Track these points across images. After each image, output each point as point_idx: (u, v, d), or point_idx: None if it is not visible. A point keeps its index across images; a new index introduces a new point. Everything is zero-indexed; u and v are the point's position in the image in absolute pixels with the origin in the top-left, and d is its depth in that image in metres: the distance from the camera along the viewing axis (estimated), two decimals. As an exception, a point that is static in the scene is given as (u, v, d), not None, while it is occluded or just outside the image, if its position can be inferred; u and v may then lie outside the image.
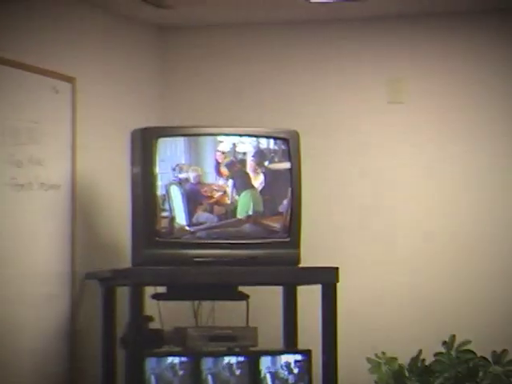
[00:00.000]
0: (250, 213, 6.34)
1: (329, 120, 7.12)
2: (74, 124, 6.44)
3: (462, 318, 6.81)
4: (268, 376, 6.23)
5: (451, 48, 7.06)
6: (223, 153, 6.35)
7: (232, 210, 6.32)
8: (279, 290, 6.67)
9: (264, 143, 6.39)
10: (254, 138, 6.39)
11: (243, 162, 6.38)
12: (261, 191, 6.39)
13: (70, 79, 6.41)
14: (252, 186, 6.40)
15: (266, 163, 6.37)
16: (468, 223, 6.96)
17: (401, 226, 7.05)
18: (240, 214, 6.33)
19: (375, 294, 6.99)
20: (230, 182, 6.36)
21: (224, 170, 6.35)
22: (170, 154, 6.26)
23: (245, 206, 6.34)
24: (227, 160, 6.36)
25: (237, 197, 6.37)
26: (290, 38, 7.24)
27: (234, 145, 6.34)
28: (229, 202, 6.31)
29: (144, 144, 6.18)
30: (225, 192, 6.30)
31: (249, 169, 6.42)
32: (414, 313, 6.92)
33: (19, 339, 6.06)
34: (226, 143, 6.34)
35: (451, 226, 6.99)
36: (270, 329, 6.63)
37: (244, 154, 6.37)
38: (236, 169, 6.36)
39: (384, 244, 7.04)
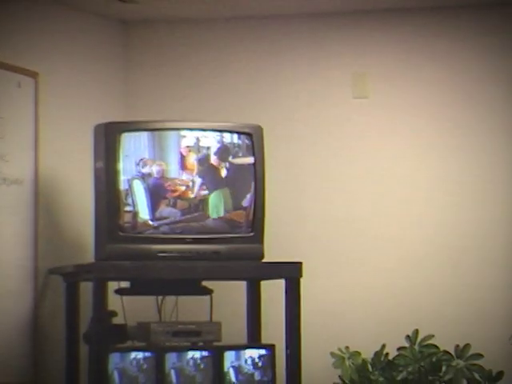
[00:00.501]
0: (222, 214, 6.30)
1: (293, 114, 7.11)
2: (37, 119, 6.42)
3: (425, 313, 6.82)
4: (232, 371, 6.23)
5: (415, 44, 7.04)
6: (187, 147, 6.29)
7: (196, 205, 6.27)
8: (243, 284, 6.64)
9: (228, 138, 6.41)
10: (218, 133, 6.40)
11: (207, 157, 6.29)
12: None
13: (33, 74, 6.40)
14: (222, 185, 6.32)
15: (230, 158, 6.34)
16: (429, 220, 6.95)
17: (365, 221, 6.99)
18: (212, 215, 6.30)
19: (339, 290, 6.95)
20: (198, 178, 6.27)
21: (192, 165, 6.29)
22: (133, 148, 6.27)
23: (215, 207, 6.32)
24: (198, 155, 6.30)
25: (203, 192, 6.29)
26: (254, 32, 7.21)
27: (198, 139, 6.35)
28: (192, 196, 6.28)
29: (107, 139, 6.17)
30: (188, 186, 6.27)
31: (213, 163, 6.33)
32: (378, 308, 6.92)
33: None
34: (189, 138, 6.34)
35: (419, 223, 6.96)
36: (234, 323, 6.64)
37: (208, 148, 6.33)
38: (206, 165, 6.31)
39: (349, 240, 6.99)
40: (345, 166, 7.08)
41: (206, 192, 6.37)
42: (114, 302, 6.38)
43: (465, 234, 6.92)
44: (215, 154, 6.37)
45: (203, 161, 6.35)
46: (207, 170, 6.35)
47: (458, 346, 6.51)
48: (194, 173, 6.32)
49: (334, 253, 7.01)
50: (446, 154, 6.97)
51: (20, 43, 6.37)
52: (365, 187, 7.06)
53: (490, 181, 6.88)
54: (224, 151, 6.37)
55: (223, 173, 6.38)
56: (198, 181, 6.33)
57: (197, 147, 6.35)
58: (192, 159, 6.33)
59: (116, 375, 6.03)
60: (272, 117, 6.95)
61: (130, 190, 6.16)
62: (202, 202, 6.35)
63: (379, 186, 7.04)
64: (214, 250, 6.24)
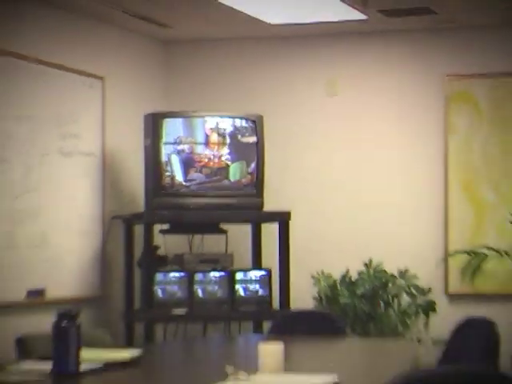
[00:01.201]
0: (238, 178, 6.58)
1: (286, 107, 7.30)
2: (104, 111, 6.70)
3: (377, 246, 7.03)
4: (240, 287, 6.50)
5: (373, 60, 7.21)
6: (210, 129, 6.57)
7: (215, 171, 6.53)
8: (249, 226, 6.99)
9: (238, 122, 6.63)
10: (231, 119, 6.63)
11: (224, 136, 6.58)
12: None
13: (100, 78, 6.66)
14: (239, 158, 6.60)
15: (239, 137, 6.61)
16: (384, 183, 7.14)
17: (338, 182, 7.21)
18: (231, 179, 6.55)
19: (318, 230, 7.19)
20: (218, 152, 6.56)
21: (214, 142, 6.54)
22: (171, 130, 6.48)
23: (234, 173, 6.57)
24: (218, 135, 6.57)
25: (223, 163, 6.56)
26: (257, 54, 7.40)
27: (217, 123, 6.58)
28: (215, 166, 6.55)
29: (153, 124, 6.44)
30: (210, 158, 6.53)
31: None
32: (346, 243, 7.13)
33: (67, 261, 6.35)
34: (211, 122, 6.57)
35: (374, 185, 7.16)
36: (243, 254, 6.95)
37: (224, 129, 6.58)
38: (224, 142, 6.58)
39: (325, 194, 7.22)
40: (323, 142, 7.25)
41: (228, 162, 6.58)
42: (158, 239, 6.67)
43: (404, 190, 7.11)
44: (229, 134, 6.61)
45: (221, 138, 6.59)
46: (223, 146, 6.58)
47: (400, 270, 6.82)
48: (214, 148, 6.59)
49: (314, 204, 7.21)
50: (397, 138, 7.15)
51: (92, 56, 6.64)
52: (338, 162, 7.24)
53: (419, 160, 7.10)
54: (235, 132, 6.62)
55: (235, 147, 6.62)
56: (217, 153, 6.57)
57: (216, 129, 6.58)
58: (214, 138, 6.58)
59: (159, 290, 6.33)
60: (271, 108, 7.13)
61: (169, 161, 6.44)
62: (223, 169, 6.57)
63: (348, 162, 7.22)
64: (228, 203, 6.54)
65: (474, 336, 4.81)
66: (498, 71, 6.95)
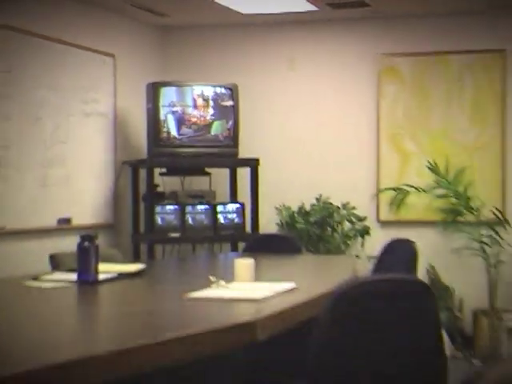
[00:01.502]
0: (218, 132, 6.55)
1: (257, 78, 7.22)
2: (115, 81, 6.65)
3: (326, 185, 7.02)
4: (221, 216, 6.53)
5: (320, 42, 7.15)
6: (197, 95, 6.52)
7: (200, 128, 6.49)
8: (227, 170, 6.93)
9: (219, 90, 6.59)
10: (213, 87, 6.59)
11: (208, 100, 6.54)
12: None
13: (112, 56, 6.60)
14: (219, 118, 6.55)
15: (219, 101, 6.58)
16: (331, 136, 7.10)
17: (298, 135, 7.18)
18: (213, 133, 6.52)
19: (282, 172, 7.15)
20: (203, 112, 6.52)
21: (200, 105, 6.50)
22: (167, 96, 6.46)
23: (215, 129, 6.55)
24: (203, 99, 6.52)
25: (207, 121, 6.51)
26: (234, 37, 7.27)
27: (202, 91, 6.55)
28: (200, 124, 6.52)
29: (153, 91, 6.42)
30: (197, 118, 6.51)
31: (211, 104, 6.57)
32: (302, 182, 7.09)
33: (87, 196, 6.38)
34: (197, 90, 6.54)
35: (324, 137, 7.12)
36: (222, 191, 6.91)
37: (208, 95, 6.55)
38: (207, 105, 6.53)
39: (289, 145, 7.20)
40: (286, 105, 7.20)
41: (211, 120, 6.53)
42: (157, 179, 6.66)
43: (346, 141, 7.08)
44: (211, 98, 6.57)
45: (205, 103, 6.54)
46: (207, 108, 6.54)
47: (343, 203, 6.89)
48: (201, 110, 6.53)
49: (278, 152, 7.17)
50: (337, 103, 7.10)
51: (106, 38, 6.59)
52: (298, 119, 7.19)
53: (358, 118, 7.07)
54: (216, 97, 6.58)
55: (216, 109, 6.56)
56: (203, 114, 6.53)
57: (202, 95, 6.54)
58: (200, 102, 6.54)
59: (159, 219, 6.35)
60: (244, 79, 7.03)
61: (165, 120, 6.43)
62: (207, 126, 6.52)
63: (307, 120, 7.17)
64: (211, 152, 6.55)
65: (399, 253, 4.86)
66: (418, 51, 6.93)
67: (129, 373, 2.16)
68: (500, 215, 6.59)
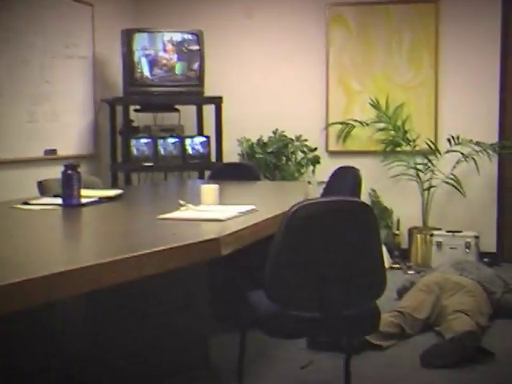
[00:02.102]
0: (183, 72, 6.43)
1: (220, 25, 7.09)
2: (94, 27, 6.47)
3: (282, 119, 6.96)
4: (189, 147, 6.45)
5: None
6: (167, 40, 6.41)
7: (170, 69, 6.40)
8: (194, 108, 6.84)
9: (186, 36, 6.46)
10: (181, 33, 6.46)
11: (176, 44, 6.40)
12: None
13: (91, 5, 6.41)
14: (184, 59, 6.43)
15: (186, 45, 6.46)
16: (287, 77, 7.02)
17: (256, 76, 7.09)
18: (178, 73, 6.41)
19: (243, 109, 7.05)
20: (172, 55, 6.39)
21: (169, 49, 6.39)
22: (140, 41, 6.34)
23: (180, 69, 6.44)
24: (172, 44, 6.40)
25: (175, 63, 6.40)
26: None
27: (171, 36, 6.43)
28: (169, 65, 6.41)
29: (128, 36, 6.31)
30: (167, 60, 6.41)
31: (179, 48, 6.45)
32: (261, 117, 7.02)
33: (71, 130, 6.24)
34: (167, 35, 6.42)
35: (280, 78, 7.04)
36: (190, 126, 6.82)
37: (176, 40, 6.42)
38: (176, 49, 6.41)
39: (249, 85, 7.10)
40: (244, 49, 7.09)
41: (175, 62, 6.42)
42: (132, 115, 6.59)
43: (300, 82, 7.00)
44: (179, 43, 6.44)
45: (174, 47, 6.42)
46: (176, 52, 6.42)
47: (296, 135, 6.82)
48: (170, 53, 6.42)
49: (240, 91, 7.05)
50: (291, 49, 6.99)
51: None
52: (254, 60, 7.08)
53: (310, 63, 6.95)
54: (184, 42, 6.46)
55: (183, 52, 6.45)
56: (172, 57, 6.42)
57: (171, 40, 6.42)
58: (169, 46, 6.42)
59: (134, 150, 6.28)
60: (209, 26, 6.91)
61: (139, 62, 6.34)
62: (173, 67, 6.43)
63: (261, 58, 7.07)
64: (180, 91, 6.44)
65: (345, 178, 4.89)
66: (363, 1, 6.83)
67: (107, 284, 2.16)
68: (433, 145, 6.63)
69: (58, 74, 6.09)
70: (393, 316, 4.42)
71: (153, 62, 6.42)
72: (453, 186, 6.58)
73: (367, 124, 6.79)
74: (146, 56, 6.39)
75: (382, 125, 6.75)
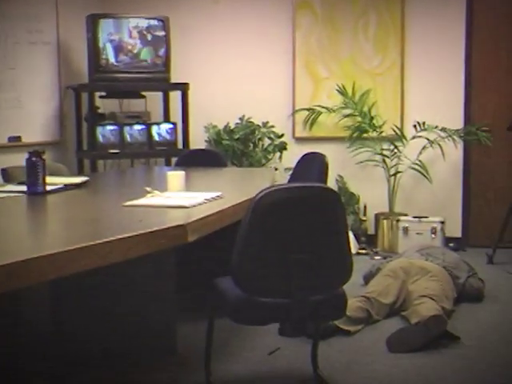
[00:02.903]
0: (149, 59, 6.39)
1: (186, 10, 7.06)
2: (57, 12, 6.37)
3: (248, 107, 6.95)
4: (156, 133, 6.43)
5: None
6: (133, 26, 6.35)
7: (135, 55, 6.35)
8: (160, 94, 6.79)
9: (152, 22, 6.42)
10: (147, 20, 6.41)
11: (141, 31, 6.36)
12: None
13: None
14: (149, 45, 6.38)
15: (152, 31, 6.41)
16: (253, 62, 6.99)
17: (223, 61, 7.05)
18: (144, 58, 6.36)
19: (210, 95, 7.01)
20: (137, 41, 6.35)
21: (135, 35, 6.33)
22: (106, 27, 6.28)
23: (145, 56, 6.40)
24: (137, 30, 6.35)
25: (140, 49, 6.35)
26: None
27: (137, 22, 6.37)
28: (135, 52, 6.37)
29: (93, 22, 6.24)
30: (132, 46, 6.36)
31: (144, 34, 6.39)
32: (227, 104, 7.00)
33: (35, 117, 6.20)
34: (133, 21, 6.36)
35: (247, 63, 7.00)
36: (157, 113, 6.77)
37: (142, 27, 6.37)
38: (141, 35, 6.36)
39: (215, 71, 7.07)
40: (212, 34, 7.05)
41: (140, 48, 6.36)
42: (98, 102, 6.51)
43: (266, 68, 6.95)
44: (145, 29, 6.39)
45: (140, 33, 6.37)
46: (141, 38, 6.38)
47: (263, 122, 6.83)
48: (136, 39, 6.37)
49: (207, 77, 7.01)
50: (258, 33, 6.96)
51: None
52: (221, 45, 7.05)
53: (276, 48, 6.90)
54: (149, 28, 6.41)
55: (149, 39, 6.41)
56: (138, 43, 6.38)
57: (136, 26, 6.37)
58: (135, 32, 6.37)
59: (100, 137, 6.23)
60: (175, 11, 6.90)
61: (104, 48, 6.27)
62: (139, 53, 6.37)
63: (228, 44, 7.02)
64: (146, 77, 6.39)
65: (312, 164, 4.90)
66: (329, -14, 6.83)
67: (72, 272, 2.15)
68: (399, 132, 6.66)
69: (22, 61, 6.02)
70: (360, 301, 4.46)
71: (118, 48, 6.36)
72: (419, 171, 6.62)
73: (334, 110, 6.79)
74: (112, 42, 6.34)
75: (348, 111, 6.75)
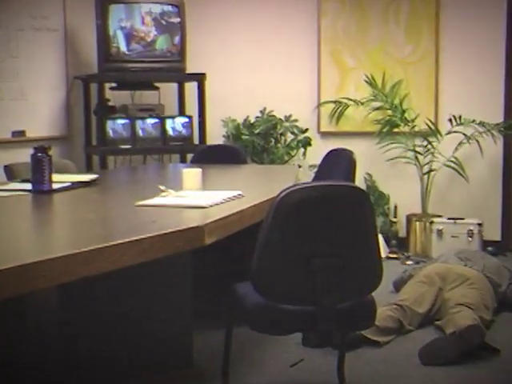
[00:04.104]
0: (164, 48, 6.43)
1: None
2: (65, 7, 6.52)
3: (270, 99, 6.97)
4: (170, 128, 6.48)
5: None
6: (145, 12, 6.38)
7: (149, 44, 6.38)
8: (175, 84, 6.83)
9: (166, 7, 6.44)
10: (160, 5, 6.43)
11: (156, 17, 6.38)
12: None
13: None
14: (165, 32, 6.42)
15: (166, 17, 6.44)
16: (275, 51, 7.00)
17: (243, 52, 7.08)
18: (159, 48, 6.40)
19: (228, 87, 7.05)
20: (151, 28, 6.38)
21: (148, 22, 6.37)
22: (117, 13, 6.30)
23: (160, 44, 6.43)
24: (151, 16, 6.38)
25: (155, 37, 6.38)
26: None
27: (150, 8, 6.41)
28: (149, 40, 6.39)
29: (102, 7, 6.27)
30: (145, 33, 6.38)
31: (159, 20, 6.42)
32: (247, 96, 7.02)
33: (41, 110, 6.26)
34: (145, 7, 6.39)
35: (269, 53, 7.01)
36: (171, 105, 6.80)
37: (155, 13, 6.40)
38: (155, 22, 6.40)
39: (235, 61, 7.08)
40: (232, 24, 7.07)
41: (159, 36, 6.39)
42: (108, 94, 6.54)
43: (290, 57, 6.97)
44: (159, 15, 6.42)
45: (153, 20, 6.40)
46: (156, 25, 6.40)
47: (286, 115, 6.84)
48: (149, 26, 6.40)
49: (225, 68, 7.03)
50: (283, 21, 6.97)
51: None
52: (242, 36, 7.07)
53: (301, 36, 6.92)
54: (163, 14, 6.44)
55: (164, 26, 6.43)
56: (151, 30, 6.41)
57: (149, 12, 6.40)
58: (147, 19, 6.40)
59: (110, 131, 6.28)
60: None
61: (115, 36, 6.29)
62: (153, 41, 6.40)
63: (249, 36, 7.05)
64: (159, 67, 6.42)
65: (338, 161, 4.90)
66: (357, -31, 6.83)
67: (80, 277, 2.17)
68: (433, 126, 6.63)
69: (26, 49, 6.07)
70: (391, 310, 4.44)
71: (130, 36, 6.39)
72: (454, 169, 6.60)
73: (362, 103, 6.78)
74: (123, 29, 6.36)
75: (378, 104, 6.74)
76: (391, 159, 6.74)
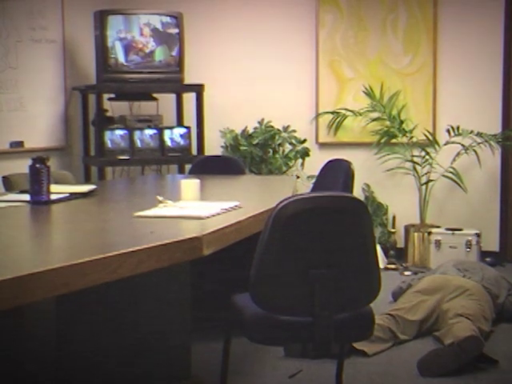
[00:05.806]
0: (162, 59, 6.45)
1: (199, 8, 7.10)
2: (63, 8, 6.45)
3: (268, 109, 6.96)
4: (168, 139, 6.50)
5: None
6: (143, 24, 6.39)
7: (148, 55, 6.39)
8: (173, 95, 6.87)
9: (164, 19, 6.47)
10: (159, 16, 6.46)
11: (154, 28, 6.40)
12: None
13: None
14: (163, 43, 6.45)
15: (164, 29, 6.45)
16: (273, 61, 7.01)
17: (241, 62, 7.09)
18: (157, 58, 6.42)
19: (226, 97, 7.08)
20: (149, 39, 6.40)
21: (146, 33, 6.38)
22: (115, 24, 6.32)
23: (158, 56, 6.45)
24: (149, 28, 6.39)
25: (153, 48, 6.40)
26: None
27: (148, 19, 6.43)
28: (147, 51, 6.41)
29: (101, 18, 6.29)
30: (144, 45, 6.40)
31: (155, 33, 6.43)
32: (245, 107, 7.04)
33: (39, 121, 6.27)
34: (144, 18, 6.41)
35: (266, 64, 7.03)
36: (169, 116, 6.84)
37: (154, 24, 6.42)
38: (153, 33, 6.41)
39: (232, 72, 7.12)
40: (229, 34, 7.10)
41: (154, 47, 6.42)
42: (106, 105, 6.55)
43: (288, 68, 6.98)
44: (158, 26, 6.43)
45: (152, 31, 6.42)
46: (155, 36, 6.42)
47: (284, 126, 6.84)
48: (148, 37, 6.41)
49: (223, 78, 7.06)
50: (280, 32, 6.99)
51: None
52: (240, 45, 7.10)
53: (298, 46, 6.95)
54: (162, 25, 6.45)
55: (162, 37, 6.45)
56: (149, 41, 6.43)
57: (148, 23, 6.42)
58: (146, 30, 6.41)
59: (108, 142, 6.28)
60: (189, 7, 6.95)
61: (113, 47, 6.31)
62: (152, 52, 6.42)
63: (247, 44, 7.07)
64: (158, 78, 6.43)
65: (336, 172, 4.90)
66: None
67: (80, 286, 2.16)
68: (431, 137, 6.64)
69: (24, 60, 6.07)
70: (382, 319, 4.42)
71: (128, 47, 6.41)
72: (452, 180, 6.61)
73: (360, 113, 6.79)
74: (121, 40, 6.38)
75: (376, 114, 6.76)
76: (389, 170, 6.75)
